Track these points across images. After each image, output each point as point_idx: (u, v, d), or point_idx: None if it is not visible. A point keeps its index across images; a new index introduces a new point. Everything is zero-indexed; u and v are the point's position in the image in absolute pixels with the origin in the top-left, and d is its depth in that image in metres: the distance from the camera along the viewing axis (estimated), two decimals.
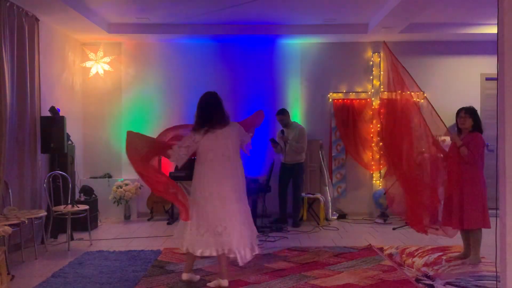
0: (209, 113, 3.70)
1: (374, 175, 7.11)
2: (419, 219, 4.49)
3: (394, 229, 6.09)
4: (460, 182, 4.33)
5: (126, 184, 6.76)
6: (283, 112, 6.39)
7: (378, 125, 7.02)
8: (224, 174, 3.68)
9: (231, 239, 3.59)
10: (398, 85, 4.77)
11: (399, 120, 5.18)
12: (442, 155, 4.59)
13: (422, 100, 6.91)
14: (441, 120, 4.55)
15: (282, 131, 6.44)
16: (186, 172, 6.26)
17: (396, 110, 5.41)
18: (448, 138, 4.79)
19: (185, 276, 3.82)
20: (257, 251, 3.82)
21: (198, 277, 3.93)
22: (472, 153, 4.24)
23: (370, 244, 5.16)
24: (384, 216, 6.70)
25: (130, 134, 3.67)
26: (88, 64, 6.97)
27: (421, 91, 4.72)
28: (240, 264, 3.65)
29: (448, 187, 4.44)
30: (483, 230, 4.34)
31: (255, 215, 5.96)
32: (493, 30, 3.16)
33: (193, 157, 3.83)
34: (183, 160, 3.70)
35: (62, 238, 5.51)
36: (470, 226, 4.30)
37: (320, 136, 7.06)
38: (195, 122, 3.75)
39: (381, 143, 7.03)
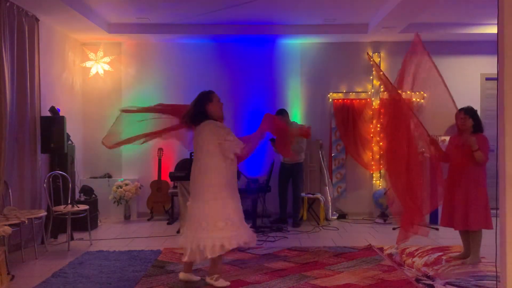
0: (188, 111, 3.82)
1: (374, 175, 7.12)
2: (408, 224, 4.46)
3: (394, 229, 6.08)
4: (463, 183, 4.32)
5: (126, 184, 6.76)
6: (282, 112, 6.39)
7: (378, 125, 7.03)
8: (193, 171, 3.79)
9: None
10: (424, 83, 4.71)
11: (399, 119, 5.13)
12: (437, 155, 4.57)
13: (422, 100, 6.92)
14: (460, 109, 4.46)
15: None
16: (186, 172, 6.27)
17: (395, 109, 5.35)
18: (447, 138, 4.78)
19: (181, 276, 3.83)
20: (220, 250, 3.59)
21: (198, 278, 3.93)
22: (486, 156, 4.24)
23: (370, 244, 5.16)
24: (384, 216, 6.70)
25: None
26: (88, 64, 6.97)
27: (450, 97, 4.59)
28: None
29: (449, 188, 4.43)
30: (484, 230, 4.34)
31: (255, 215, 5.99)
32: (493, 30, 3.16)
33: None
34: None
35: (62, 238, 5.51)
36: (474, 227, 4.28)
37: (320, 136, 7.06)
38: None
39: (381, 143, 7.04)
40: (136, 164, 7.12)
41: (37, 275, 4.12)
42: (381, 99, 7.02)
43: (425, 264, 4.38)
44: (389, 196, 5.38)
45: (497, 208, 2.78)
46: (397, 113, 4.57)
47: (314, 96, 7.19)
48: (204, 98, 3.82)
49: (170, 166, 6.93)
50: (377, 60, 7.10)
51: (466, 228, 4.35)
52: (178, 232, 5.88)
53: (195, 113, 3.77)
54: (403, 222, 4.37)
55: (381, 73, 5.11)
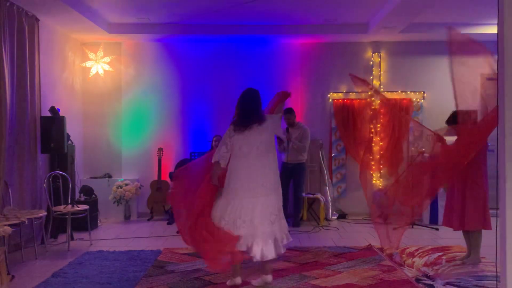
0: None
1: (374, 175, 7.11)
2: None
3: (394, 229, 6.07)
4: (461, 183, 4.30)
5: (126, 184, 6.76)
6: (290, 111, 6.35)
7: (378, 125, 7.03)
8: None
9: None
10: None
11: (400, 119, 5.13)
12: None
13: (422, 100, 6.93)
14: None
15: (287, 129, 6.38)
16: None
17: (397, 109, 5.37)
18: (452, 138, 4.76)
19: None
20: None
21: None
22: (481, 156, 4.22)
23: (370, 244, 5.16)
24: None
25: None
26: (88, 64, 6.97)
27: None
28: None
29: (449, 188, 4.41)
30: (484, 230, 4.32)
31: None
32: (493, 30, 3.16)
33: None
34: None
35: (62, 238, 5.51)
36: (470, 227, 4.28)
37: (320, 136, 7.06)
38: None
39: (381, 143, 7.03)
40: (136, 164, 7.12)
41: (37, 275, 4.12)
42: (381, 99, 7.02)
43: (425, 264, 4.38)
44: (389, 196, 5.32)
45: (497, 208, 2.78)
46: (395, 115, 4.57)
47: (314, 96, 7.19)
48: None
49: (170, 166, 6.93)
50: (377, 60, 7.10)
51: (463, 229, 4.34)
52: (178, 232, 5.87)
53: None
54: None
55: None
